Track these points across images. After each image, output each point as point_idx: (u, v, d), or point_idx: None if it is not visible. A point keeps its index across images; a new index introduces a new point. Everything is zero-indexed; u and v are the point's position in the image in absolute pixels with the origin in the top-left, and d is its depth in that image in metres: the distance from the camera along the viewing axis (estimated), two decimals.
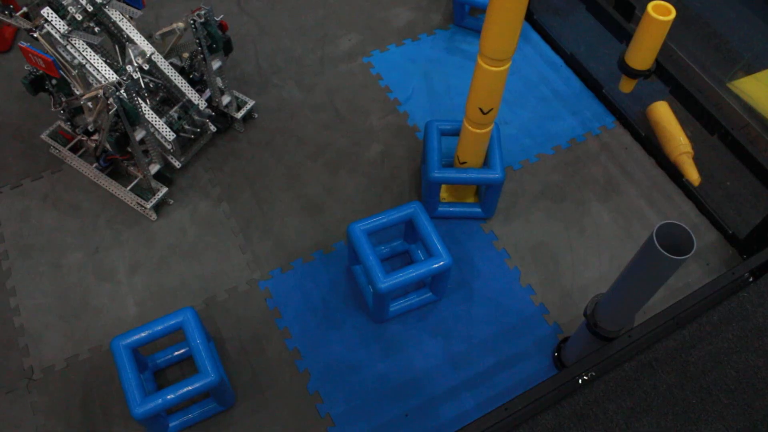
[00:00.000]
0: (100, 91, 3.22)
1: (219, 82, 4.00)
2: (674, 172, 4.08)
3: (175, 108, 3.82)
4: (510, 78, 4.50)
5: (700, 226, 3.93)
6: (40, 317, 3.57)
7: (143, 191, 3.87)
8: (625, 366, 3.00)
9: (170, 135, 3.60)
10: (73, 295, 3.64)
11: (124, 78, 3.35)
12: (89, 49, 3.36)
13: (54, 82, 3.50)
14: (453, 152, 3.81)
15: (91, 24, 3.45)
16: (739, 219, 3.90)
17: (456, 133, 3.77)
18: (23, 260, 3.76)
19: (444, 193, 3.97)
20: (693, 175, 3.98)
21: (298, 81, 4.55)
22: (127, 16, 3.59)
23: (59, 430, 3.25)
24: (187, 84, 3.77)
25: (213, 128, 3.93)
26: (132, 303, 3.62)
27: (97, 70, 3.39)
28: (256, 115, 4.30)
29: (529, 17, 4.88)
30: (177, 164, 3.89)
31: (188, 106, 3.82)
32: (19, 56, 4.65)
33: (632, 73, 3.61)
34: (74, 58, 3.36)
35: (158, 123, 3.56)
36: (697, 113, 3.79)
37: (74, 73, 3.42)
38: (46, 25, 3.28)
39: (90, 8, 3.40)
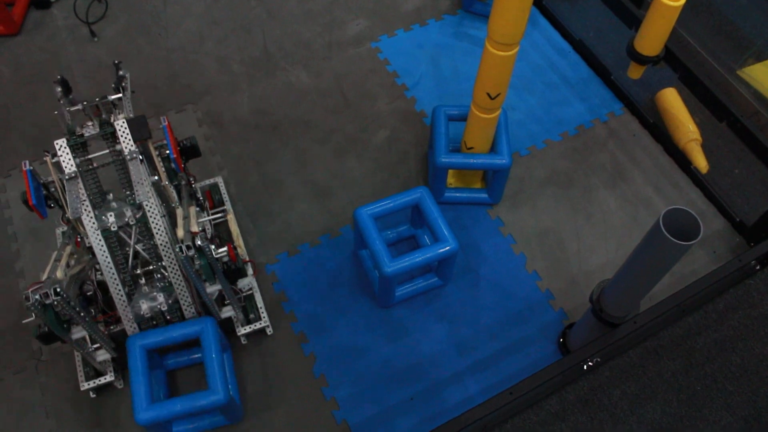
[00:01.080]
0: (28, 292, 2.65)
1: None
2: (682, 160, 4.06)
3: (161, 300, 3.07)
4: (518, 63, 4.48)
5: (707, 214, 3.92)
6: None
7: (89, 364, 3.25)
8: (630, 352, 3.01)
9: (134, 329, 3.05)
10: None
11: (54, 292, 2.63)
12: (87, 202, 2.84)
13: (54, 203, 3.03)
14: (460, 138, 3.80)
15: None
16: (746, 207, 3.88)
17: (463, 118, 3.76)
18: (32, 242, 3.78)
19: (451, 179, 3.97)
20: (701, 162, 3.96)
21: (305, 66, 4.54)
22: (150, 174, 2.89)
23: (68, 410, 3.28)
24: (183, 284, 3.02)
25: None
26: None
27: (84, 230, 2.89)
28: (270, 331, 3.48)
29: (538, 2, 4.85)
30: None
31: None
32: (27, 40, 4.66)
33: (641, 60, 3.59)
34: (72, 202, 2.82)
35: (125, 311, 2.99)
36: (706, 100, 3.77)
37: (67, 215, 2.94)
38: (58, 156, 2.85)
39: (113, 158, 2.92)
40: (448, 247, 3.28)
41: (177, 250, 2.72)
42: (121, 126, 2.86)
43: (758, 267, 3.27)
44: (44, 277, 2.75)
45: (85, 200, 2.83)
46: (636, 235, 3.82)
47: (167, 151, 3.04)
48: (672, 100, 4.19)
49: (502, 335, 3.50)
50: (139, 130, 2.87)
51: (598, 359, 2.92)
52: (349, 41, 4.68)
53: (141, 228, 2.99)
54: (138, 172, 2.82)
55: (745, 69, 4.33)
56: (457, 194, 3.90)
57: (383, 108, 4.34)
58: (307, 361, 3.41)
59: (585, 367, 2.91)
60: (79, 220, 2.86)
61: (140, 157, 2.85)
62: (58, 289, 2.63)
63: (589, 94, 4.42)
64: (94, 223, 2.85)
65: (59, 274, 2.79)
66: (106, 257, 2.89)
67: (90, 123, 2.98)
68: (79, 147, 2.90)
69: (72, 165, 2.83)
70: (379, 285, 3.40)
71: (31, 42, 4.66)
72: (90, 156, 2.93)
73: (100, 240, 2.87)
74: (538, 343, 3.48)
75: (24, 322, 2.95)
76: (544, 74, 4.52)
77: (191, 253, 2.73)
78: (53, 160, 2.86)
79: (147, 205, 2.85)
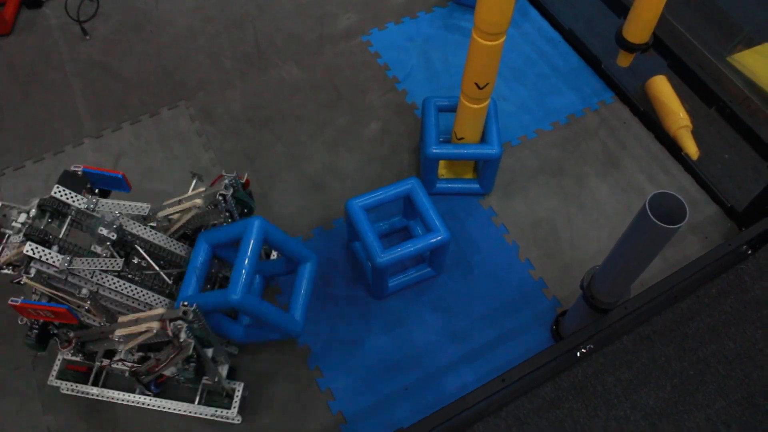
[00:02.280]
0: (155, 328, 2.59)
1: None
2: (673, 147, 4.07)
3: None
4: (508, 54, 4.50)
5: (699, 200, 3.93)
6: None
7: (216, 397, 3.21)
8: (624, 339, 3.02)
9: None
10: None
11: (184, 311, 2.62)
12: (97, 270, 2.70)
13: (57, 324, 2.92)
14: (451, 128, 3.81)
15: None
16: (738, 192, 3.89)
17: (453, 109, 3.77)
18: None
19: (442, 170, 3.98)
20: (692, 148, 3.97)
21: (297, 60, 4.55)
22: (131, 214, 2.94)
23: (64, 406, 3.29)
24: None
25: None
26: None
27: (119, 292, 2.79)
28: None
29: None
30: (234, 350, 3.39)
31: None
32: (19, 39, 4.67)
33: (630, 47, 3.61)
34: (81, 287, 2.69)
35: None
36: (696, 87, 3.78)
37: (87, 306, 2.76)
38: (33, 264, 2.57)
39: (84, 206, 2.79)
40: (439, 237, 3.30)
41: (218, 198, 2.89)
42: (60, 191, 2.75)
43: (749, 251, 3.29)
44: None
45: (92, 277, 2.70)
46: (628, 222, 3.80)
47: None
48: (662, 88, 4.20)
49: (496, 324, 3.51)
50: (75, 183, 2.84)
51: (591, 346, 2.94)
52: (340, 35, 4.69)
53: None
54: (107, 206, 2.86)
55: (734, 56, 4.33)
56: (449, 185, 3.92)
57: (375, 101, 4.35)
58: (301, 353, 3.43)
59: (578, 354, 2.92)
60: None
61: (95, 199, 2.84)
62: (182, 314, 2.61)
63: (580, 83, 4.43)
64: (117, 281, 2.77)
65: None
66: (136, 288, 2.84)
67: (21, 211, 2.73)
68: (45, 240, 2.68)
69: (58, 258, 2.59)
70: (372, 276, 3.42)
71: (23, 41, 4.67)
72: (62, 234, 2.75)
73: (126, 284, 2.81)
74: (532, 331, 3.50)
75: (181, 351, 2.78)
76: (534, 64, 4.53)
77: (230, 191, 2.92)
78: (31, 276, 2.58)
79: (123, 220, 2.85)
